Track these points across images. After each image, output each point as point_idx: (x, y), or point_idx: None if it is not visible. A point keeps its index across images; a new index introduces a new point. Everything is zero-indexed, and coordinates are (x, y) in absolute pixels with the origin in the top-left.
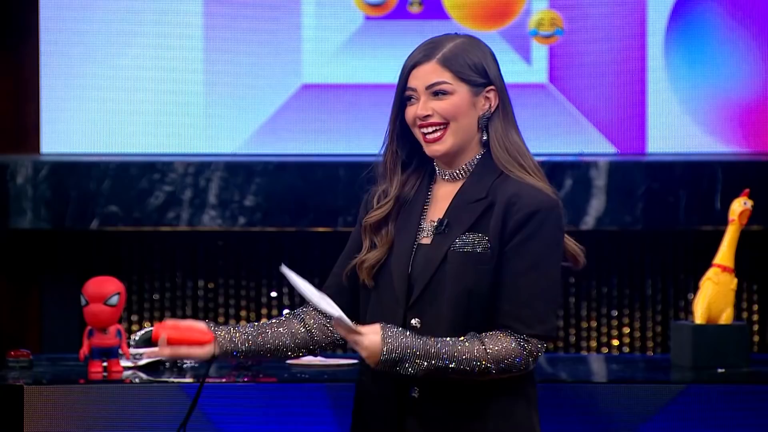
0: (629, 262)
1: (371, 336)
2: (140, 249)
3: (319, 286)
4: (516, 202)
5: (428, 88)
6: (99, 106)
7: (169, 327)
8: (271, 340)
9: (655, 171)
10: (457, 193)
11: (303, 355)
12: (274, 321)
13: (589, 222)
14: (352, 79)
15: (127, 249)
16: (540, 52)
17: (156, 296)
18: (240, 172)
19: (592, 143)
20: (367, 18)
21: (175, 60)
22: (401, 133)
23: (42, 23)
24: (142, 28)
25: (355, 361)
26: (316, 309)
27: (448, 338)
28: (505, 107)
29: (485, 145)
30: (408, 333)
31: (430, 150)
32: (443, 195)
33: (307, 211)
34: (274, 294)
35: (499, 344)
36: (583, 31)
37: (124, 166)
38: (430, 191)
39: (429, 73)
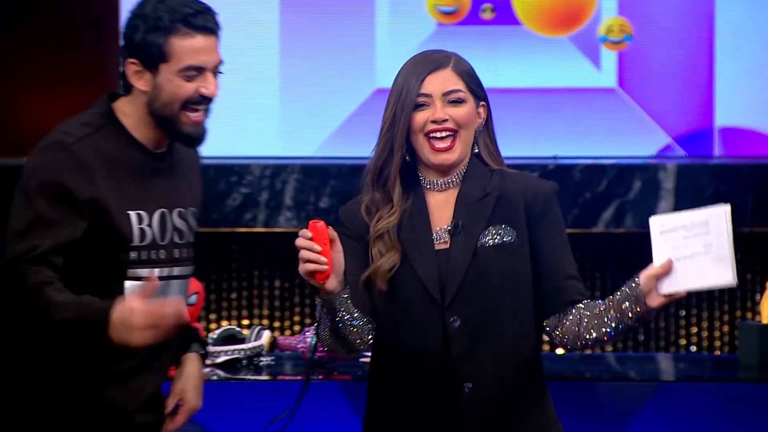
0: None
1: None
2: (218, 249)
3: None
4: (530, 190)
5: (445, 94)
6: None
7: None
8: (357, 321)
9: (723, 173)
10: (458, 197)
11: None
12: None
13: None
14: None
15: (206, 250)
16: (609, 57)
17: (233, 295)
18: (315, 175)
19: (660, 147)
20: (440, 25)
21: (252, 65)
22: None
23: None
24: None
25: None
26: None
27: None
28: (490, 120)
29: (475, 155)
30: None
31: (440, 158)
32: (440, 203)
33: None
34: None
35: None
36: (652, 37)
37: (202, 168)
38: (423, 202)
39: (446, 79)
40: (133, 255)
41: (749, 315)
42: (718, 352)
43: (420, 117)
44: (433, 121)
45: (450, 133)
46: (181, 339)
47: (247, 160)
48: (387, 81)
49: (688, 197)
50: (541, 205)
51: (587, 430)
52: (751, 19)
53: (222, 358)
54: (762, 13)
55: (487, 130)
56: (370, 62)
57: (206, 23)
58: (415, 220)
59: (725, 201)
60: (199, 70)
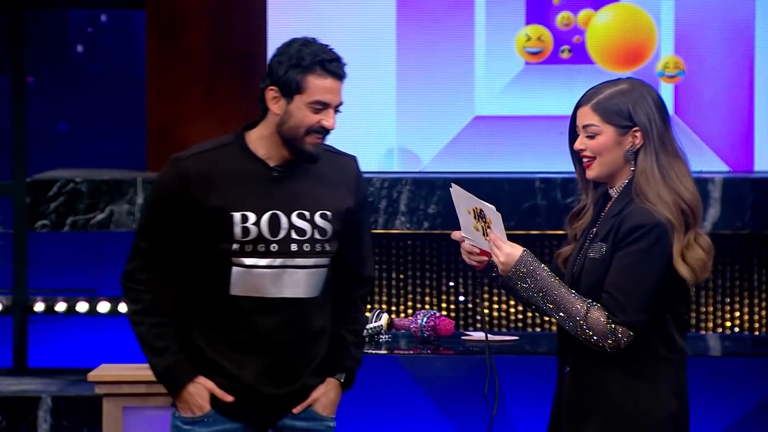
0: (740, 258)
1: (514, 249)
2: None
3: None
4: (627, 218)
5: (584, 127)
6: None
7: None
8: None
9: (761, 185)
10: (606, 211)
11: None
12: None
13: (707, 227)
14: (515, 112)
15: None
16: (667, 89)
17: None
18: (425, 186)
19: (709, 163)
20: (527, 63)
21: (373, 99)
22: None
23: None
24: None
25: (516, 337)
26: None
27: (566, 289)
28: (649, 144)
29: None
30: (541, 266)
31: (586, 174)
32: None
33: None
34: (451, 284)
35: (597, 316)
36: (702, 72)
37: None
38: (604, 208)
39: (583, 115)
40: (236, 247)
41: None
42: (757, 333)
43: (575, 144)
44: (578, 149)
45: (588, 159)
46: (338, 356)
47: (370, 174)
48: (483, 110)
49: (732, 205)
50: (623, 234)
51: None
52: None
53: None
54: None
55: (646, 153)
56: (470, 95)
57: (337, 70)
58: (590, 222)
59: (763, 207)
60: (325, 106)
